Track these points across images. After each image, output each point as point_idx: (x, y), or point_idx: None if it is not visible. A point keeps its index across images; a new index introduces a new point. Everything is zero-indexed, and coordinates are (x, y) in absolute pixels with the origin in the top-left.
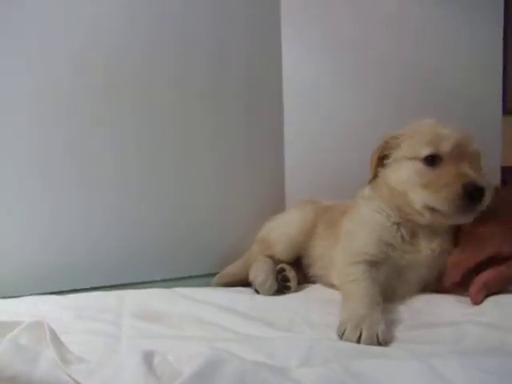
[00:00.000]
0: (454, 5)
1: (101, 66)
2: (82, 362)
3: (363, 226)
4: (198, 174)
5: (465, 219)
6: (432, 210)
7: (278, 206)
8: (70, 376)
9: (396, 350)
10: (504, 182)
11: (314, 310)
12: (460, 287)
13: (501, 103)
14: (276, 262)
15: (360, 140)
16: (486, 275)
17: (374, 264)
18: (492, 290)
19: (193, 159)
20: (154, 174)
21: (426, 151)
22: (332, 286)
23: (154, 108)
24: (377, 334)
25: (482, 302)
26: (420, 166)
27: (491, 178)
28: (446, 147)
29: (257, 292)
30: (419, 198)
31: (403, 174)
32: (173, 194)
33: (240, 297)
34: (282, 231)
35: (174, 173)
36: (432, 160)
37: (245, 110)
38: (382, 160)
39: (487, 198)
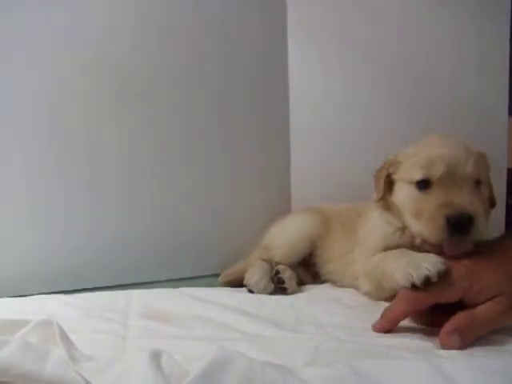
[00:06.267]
0: (461, 7)
1: (111, 67)
2: (91, 360)
3: (371, 233)
4: (204, 176)
5: (457, 251)
6: (424, 239)
7: (284, 208)
8: (79, 374)
9: (402, 351)
10: (510, 183)
11: (320, 310)
12: (416, 317)
13: (507, 105)
14: (273, 265)
15: (368, 145)
16: (456, 319)
17: None
18: (465, 338)
19: (200, 163)
20: (161, 177)
21: (417, 176)
22: (346, 284)
23: (162, 111)
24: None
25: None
26: (413, 191)
27: (497, 180)
28: (436, 172)
29: (251, 292)
30: (413, 226)
31: (401, 198)
32: (180, 197)
33: (246, 297)
34: (285, 237)
35: (180, 175)
36: (424, 185)
37: (251, 112)
38: (389, 178)
39: (478, 227)
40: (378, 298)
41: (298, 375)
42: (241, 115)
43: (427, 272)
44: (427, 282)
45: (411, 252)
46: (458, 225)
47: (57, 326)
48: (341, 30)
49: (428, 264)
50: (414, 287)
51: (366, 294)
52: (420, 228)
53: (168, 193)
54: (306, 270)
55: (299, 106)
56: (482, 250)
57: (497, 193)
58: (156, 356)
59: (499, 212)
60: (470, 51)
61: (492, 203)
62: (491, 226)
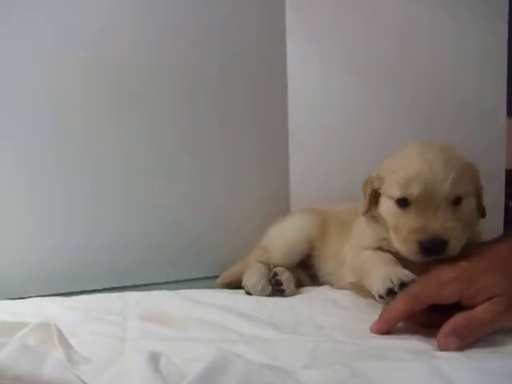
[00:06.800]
0: (461, 8)
1: (111, 67)
2: (88, 362)
3: (361, 233)
4: (203, 177)
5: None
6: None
7: (283, 209)
8: (77, 377)
9: (400, 352)
10: (509, 184)
11: (319, 311)
12: (414, 318)
13: (505, 105)
14: (271, 267)
15: (368, 145)
16: (454, 320)
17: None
18: (463, 339)
19: (198, 163)
20: (160, 177)
21: (396, 193)
22: (342, 286)
23: (161, 111)
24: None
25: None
26: (394, 207)
27: (496, 181)
28: (413, 192)
29: (249, 294)
30: (393, 240)
31: (384, 212)
32: (177, 198)
33: (245, 299)
34: (283, 238)
35: (179, 176)
36: (403, 203)
37: (250, 113)
38: (375, 192)
39: (452, 248)
40: (358, 292)
41: (297, 377)
42: (240, 116)
43: (391, 285)
44: (391, 294)
45: (393, 262)
46: (431, 249)
47: (55, 328)
48: (340, 29)
49: (394, 277)
50: (381, 298)
51: (349, 285)
52: (397, 245)
53: (167, 194)
54: (305, 271)
55: (298, 107)
56: (479, 251)
57: (495, 194)
58: (154, 358)
59: (498, 213)
60: (469, 52)
61: (482, 214)
62: (489, 227)
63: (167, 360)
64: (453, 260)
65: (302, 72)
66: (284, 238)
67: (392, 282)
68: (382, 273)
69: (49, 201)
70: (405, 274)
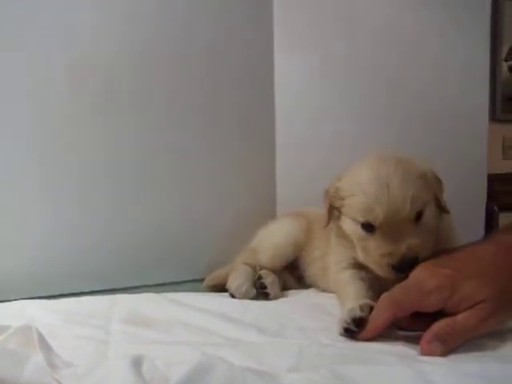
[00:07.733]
0: (443, 13)
1: (98, 69)
2: (70, 366)
3: (334, 246)
4: (190, 180)
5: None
6: None
7: (269, 212)
8: (57, 381)
9: (385, 356)
10: (490, 189)
11: (304, 315)
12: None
13: (487, 110)
14: (257, 269)
15: (356, 148)
16: (437, 326)
17: (361, 266)
18: (447, 345)
19: (185, 167)
20: (146, 181)
21: (360, 218)
22: (327, 288)
23: (148, 112)
24: None
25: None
26: (359, 229)
27: (477, 186)
28: (376, 217)
29: (233, 297)
30: (361, 258)
31: (348, 230)
32: (164, 201)
33: (230, 302)
34: (271, 240)
35: (165, 180)
36: (368, 226)
37: (237, 116)
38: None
39: (423, 258)
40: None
41: (281, 381)
42: (226, 118)
43: (346, 325)
44: (347, 331)
45: (361, 294)
46: (403, 268)
47: (36, 331)
48: (326, 33)
49: (347, 315)
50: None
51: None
52: (368, 264)
53: (154, 196)
54: (291, 274)
55: (285, 110)
56: (462, 256)
57: (477, 198)
58: (137, 362)
59: (479, 217)
60: (452, 57)
61: (445, 211)
62: (471, 230)
63: (150, 364)
64: (435, 266)
65: (288, 75)
66: (273, 240)
67: (347, 323)
68: (345, 309)
69: (34, 202)
70: (356, 307)
